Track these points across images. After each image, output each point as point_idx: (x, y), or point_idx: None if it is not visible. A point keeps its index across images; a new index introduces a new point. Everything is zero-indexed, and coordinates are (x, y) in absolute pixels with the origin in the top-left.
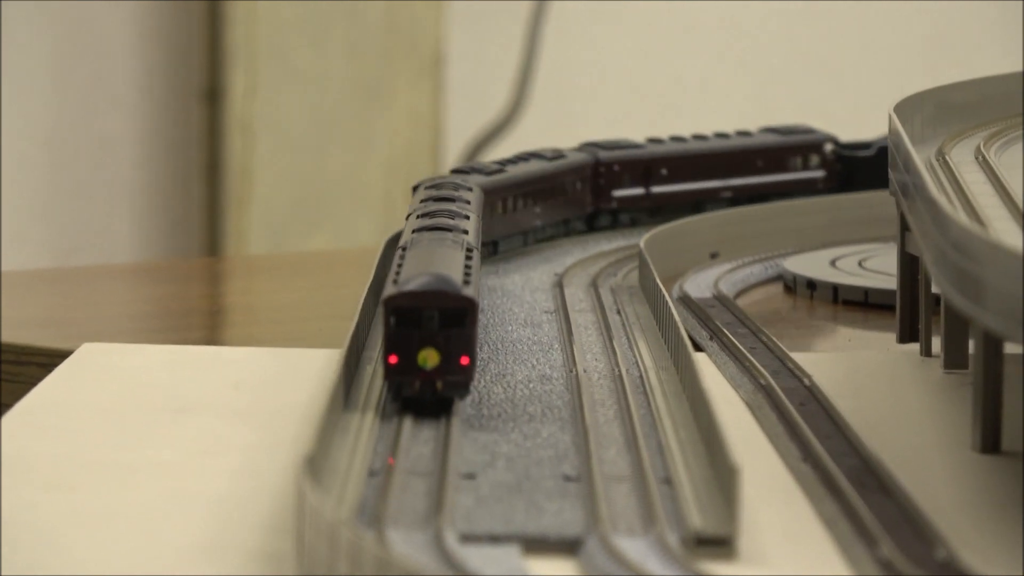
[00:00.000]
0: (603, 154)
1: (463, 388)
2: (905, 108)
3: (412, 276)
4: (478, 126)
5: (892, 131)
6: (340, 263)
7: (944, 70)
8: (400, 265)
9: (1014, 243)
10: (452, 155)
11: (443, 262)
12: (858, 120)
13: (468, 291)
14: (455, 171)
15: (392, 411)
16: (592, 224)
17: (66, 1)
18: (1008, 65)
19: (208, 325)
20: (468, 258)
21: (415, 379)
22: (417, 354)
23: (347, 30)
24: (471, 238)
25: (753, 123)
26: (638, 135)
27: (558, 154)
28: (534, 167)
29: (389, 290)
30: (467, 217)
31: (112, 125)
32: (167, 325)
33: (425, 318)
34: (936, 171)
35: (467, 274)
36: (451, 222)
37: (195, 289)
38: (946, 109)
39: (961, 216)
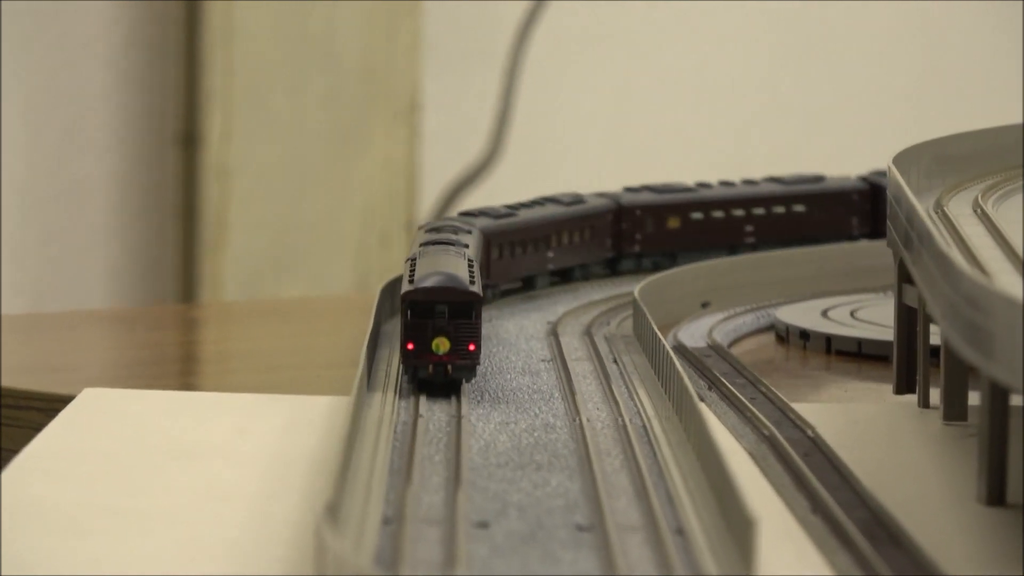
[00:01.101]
0: (626, 198)
1: (470, 371)
2: (903, 160)
3: (425, 276)
4: (454, 173)
5: (892, 183)
6: (316, 311)
7: (921, 119)
8: (412, 270)
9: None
10: (428, 202)
11: (450, 266)
12: (834, 167)
13: (473, 288)
14: (463, 214)
15: (401, 461)
16: (615, 268)
17: (42, 45)
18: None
19: (184, 372)
20: (471, 265)
21: (429, 363)
22: (431, 341)
23: (323, 77)
24: (471, 253)
25: (730, 171)
26: (615, 183)
27: (577, 199)
28: (550, 211)
29: (406, 287)
30: (467, 246)
31: (87, 169)
32: (143, 372)
33: (437, 311)
34: (936, 223)
35: (471, 275)
36: (454, 237)
37: (170, 336)
38: (943, 161)
39: (971, 270)
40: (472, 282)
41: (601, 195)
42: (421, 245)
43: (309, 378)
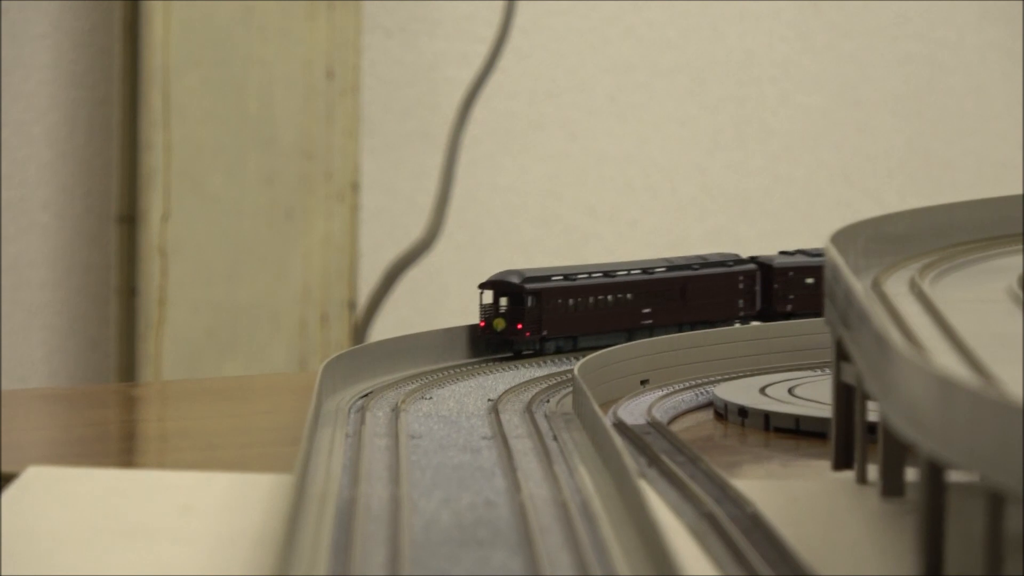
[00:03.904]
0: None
1: (522, 344)
2: (841, 238)
3: (494, 276)
4: (394, 252)
5: (830, 262)
6: (256, 389)
7: (852, 201)
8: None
9: (961, 377)
10: (367, 282)
11: (512, 272)
12: (767, 249)
13: (525, 285)
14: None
15: (342, 539)
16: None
17: None
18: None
19: (126, 450)
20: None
21: (492, 337)
22: (493, 321)
23: (261, 157)
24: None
25: (663, 252)
26: (550, 262)
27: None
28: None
29: (482, 281)
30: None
31: (26, 248)
32: (86, 450)
33: (496, 298)
34: (874, 302)
35: (526, 277)
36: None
37: (111, 414)
38: (880, 240)
39: (908, 349)
40: (527, 279)
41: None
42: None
43: (250, 456)
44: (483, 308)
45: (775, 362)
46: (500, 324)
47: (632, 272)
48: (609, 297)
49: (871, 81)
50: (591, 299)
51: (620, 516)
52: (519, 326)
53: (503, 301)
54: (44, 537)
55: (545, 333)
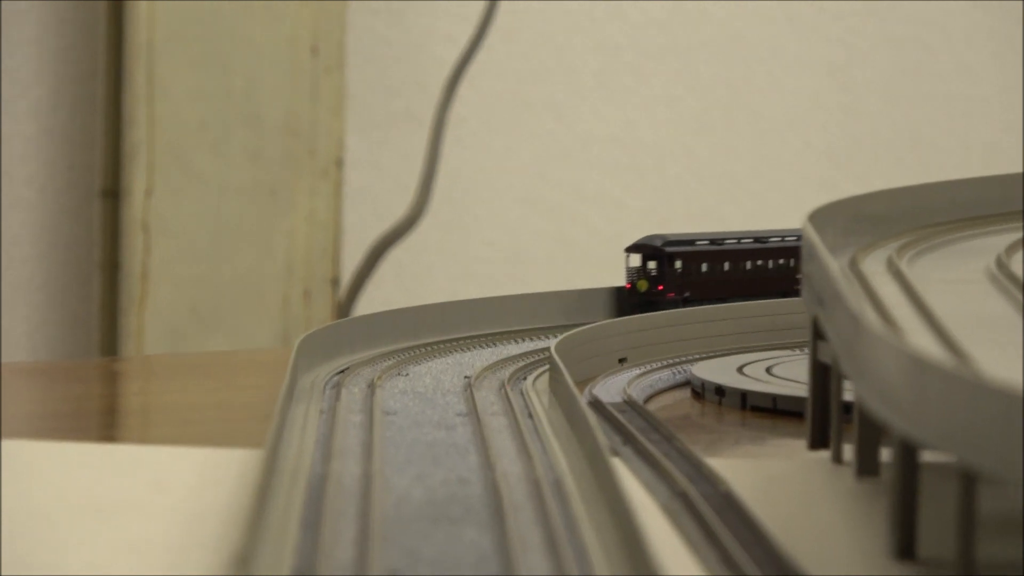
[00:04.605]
0: None
1: (664, 303)
2: (819, 217)
3: (639, 240)
4: (378, 230)
5: (807, 241)
6: (240, 365)
7: (838, 183)
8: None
9: (934, 356)
10: (351, 259)
11: (656, 237)
12: (753, 227)
13: (666, 249)
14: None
15: (312, 515)
16: None
17: None
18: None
19: (105, 424)
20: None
21: (636, 297)
22: (637, 282)
23: (246, 134)
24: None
25: (648, 232)
26: (535, 242)
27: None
28: None
29: (628, 245)
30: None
31: (10, 223)
32: (65, 425)
33: (643, 261)
34: (851, 281)
35: (668, 241)
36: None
37: (92, 389)
38: (859, 219)
39: (882, 329)
40: (668, 243)
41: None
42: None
43: (228, 431)
44: (628, 271)
45: (755, 341)
46: (643, 285)
47: (762, 239)
48: (745, 263)
49: (859, 63)
50: (727, 264)
51: (592, 494)
52: (660, 287)
53: (650, 265)
54: (15, 511)
55: (687, 294)
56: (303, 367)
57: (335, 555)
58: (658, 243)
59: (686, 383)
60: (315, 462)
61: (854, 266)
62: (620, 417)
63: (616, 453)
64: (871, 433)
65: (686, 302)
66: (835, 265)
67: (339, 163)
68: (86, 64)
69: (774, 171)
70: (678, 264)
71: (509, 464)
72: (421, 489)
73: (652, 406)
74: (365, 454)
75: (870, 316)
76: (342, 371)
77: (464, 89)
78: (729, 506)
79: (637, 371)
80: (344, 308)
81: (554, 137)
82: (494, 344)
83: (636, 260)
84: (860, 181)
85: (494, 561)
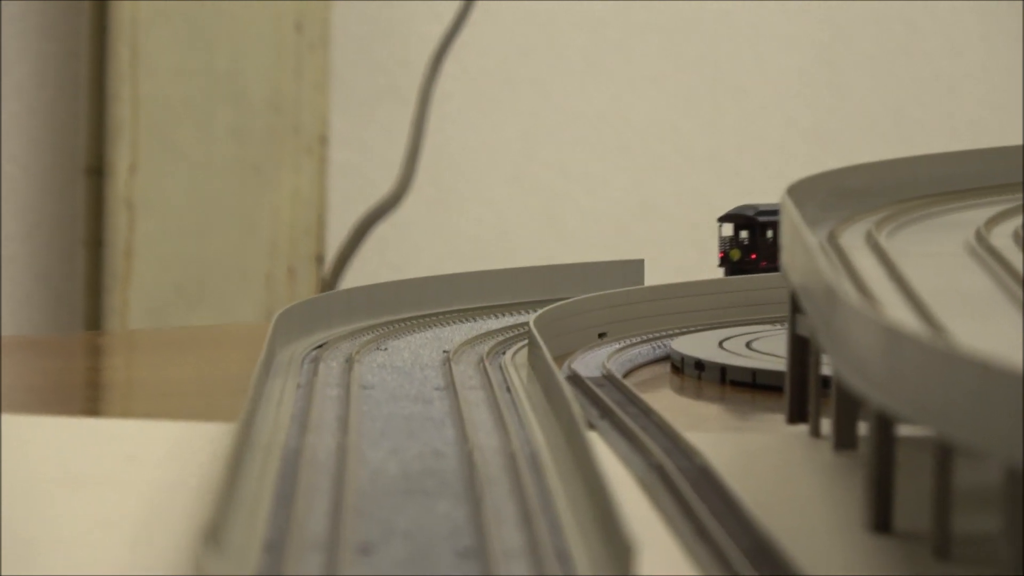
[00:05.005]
0: None
1: (756, 271)
2: (798, 190)
3: (731, 210)
4: (362, 207)
5: (785, 213)
6: (223, 340)
7: (824, 162)
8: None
9: (912, 329)
10: (336, 236)
11: (748, 207)
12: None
13: (759, 218)
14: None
15: (285, 488)
16: None
17: None
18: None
19: (88, 398)
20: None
21: (727, 267)
22: (730, 251)
23: (230, 111)
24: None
25: (633, 210)
26: (521, 219)
27: None
28: None
29: (721, 215)
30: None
31: None
32: (47, 399)
33: (735, 231)
34: (829, 255)
35: (761, 211)
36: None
37: (75, 363)
38: (837, 193)
39: (858, 301)
40: (760, 212)
41: None
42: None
43: (207, 405)
44: (721, 240)
45: (736, 316)
46: (736, 254)
47: None
48: None
49: (845, 41)
50: None
51: (568, 467)
52: (753, 256)
53: (743, 234)
54: None
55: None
56: (281, 342)
57: (307, 528)
58: (750, 213)
59: (666, 358)
60: (290, 436)
61: (833, 240)
62: (598, 391)
63: (593, 427)
64: (848, 407)
65: (776, 270)
66: (812, 238)
67: (323, 140)
68: (70, 42)
69: (760, 149)
70: (769, 233)
71: (485, 437)
72: (396, 462)
73: (631, 381)
74: (341, 428)
75: (845, 288)
76: (320, 346)
77: (449, 66)
78: (705, 479)
79: (617, 345)
80: (329, 285)
81: (539, 114)
82: (474, 319)
83: (728, 230)
84: (846, 159)
85: (467, 533)
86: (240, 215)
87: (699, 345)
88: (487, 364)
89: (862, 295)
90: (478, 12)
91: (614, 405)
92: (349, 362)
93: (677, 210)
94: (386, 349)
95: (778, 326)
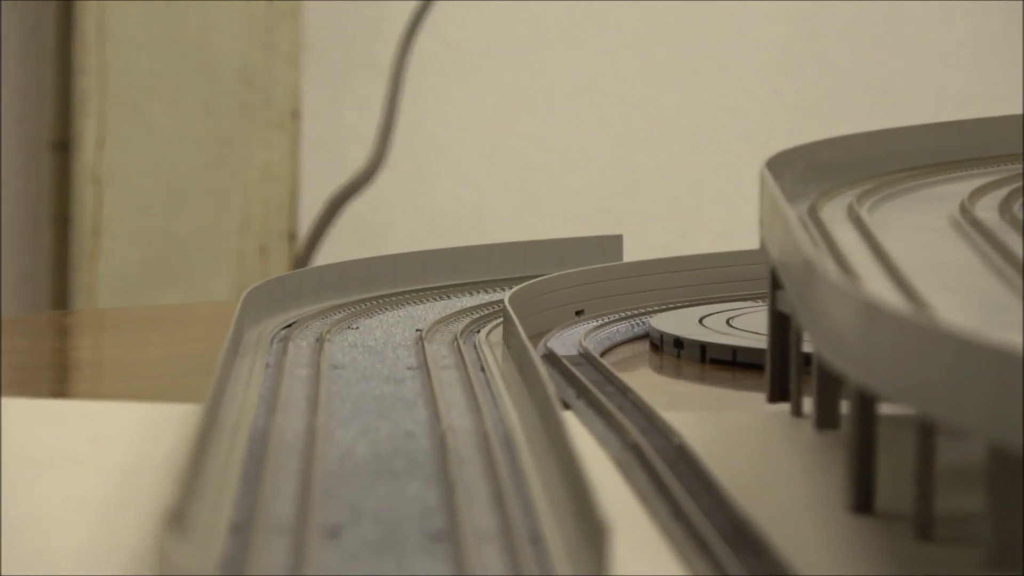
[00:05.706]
0: None
1: None
2: (777, 164)
3: None
4: (335, 183)
5: (764, 187)
6: (192, 319)
7: (808, 135)
8: None
9: (891, 303)
10: (309, 213)
11: None
12: (720, 182)
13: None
14: None
15: (252, 469)
16: None
17: None
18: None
19: (55, 379)
20: None
21: None
22: None
23: (201, 84)
24: None
25: (614, 185)
26: (499, 195)
27: None
28: None
29: None
30: None
31: None
32: (13, 379)
33: None
34: (809, 228)
35: None
36: None
37: (42, 343)
38: (817, 167)
39: (836, 276)
40: None
41: None
42: None
43: (174, 386)
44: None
45: (716, 292)
46: None
47: None
48: None
49: (829, 12)
50: None
51: (542, 447)
52: None
53: None
54: None
55: None
56: (250, 321)
57: (274, 510)
58: None
59: (645, 335)
60: (258, 416)
61: (813, 213)
62: (575, 370)
63: (569, 406)
64: (830, 385)
65: None
66: (791, 211)
67: (295, 114)
68: (34, 12)
69: (742, 122)
70: None
71: (458, 418)
72: (366, 443)
73: (609, 359)
74: (310, 408)
75: (822, 262)
76: (290, 325)
77: (424, 38)
78: (683, 459)
79: (594, 323)
80: (301, 262)
81: (517, 87)
82: (448, 296)
83: None
84: (830, 132)
85: (438, 515)
86: (210, 191)
87: (678, 322)
88: (461, 343)
89: (842, 269)
90: None
91: (591, 384)
92: (319, 341)
93: (659, 184)
94: (358, 328)
95: (760, 303)
